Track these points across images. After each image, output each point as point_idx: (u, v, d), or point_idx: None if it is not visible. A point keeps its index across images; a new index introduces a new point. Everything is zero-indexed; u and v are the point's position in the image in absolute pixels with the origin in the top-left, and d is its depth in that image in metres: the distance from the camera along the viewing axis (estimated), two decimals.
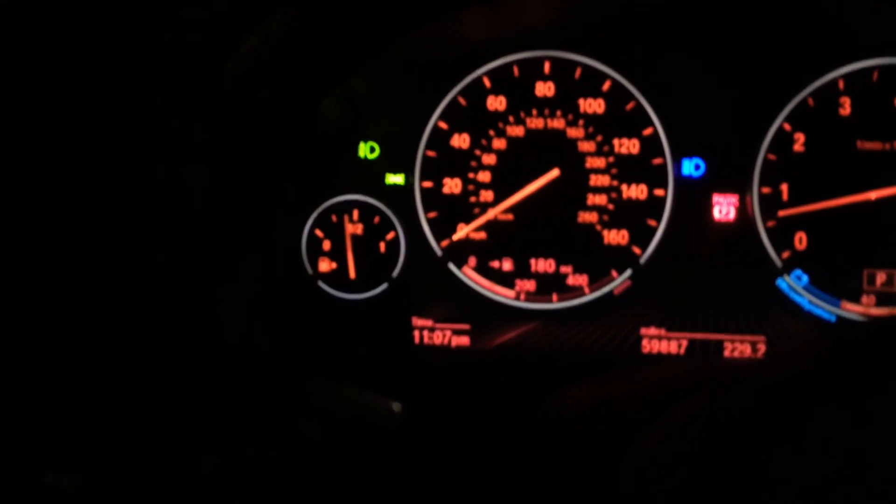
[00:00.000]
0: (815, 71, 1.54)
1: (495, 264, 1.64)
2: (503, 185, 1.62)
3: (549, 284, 1.63)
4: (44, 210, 1.35)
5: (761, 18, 1.54)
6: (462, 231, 1.64)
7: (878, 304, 1.53)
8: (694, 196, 1.58)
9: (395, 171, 1.66)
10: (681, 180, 1.58)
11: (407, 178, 1.65)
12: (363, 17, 1.44)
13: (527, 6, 1.57)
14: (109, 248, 1.36)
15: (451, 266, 1.65)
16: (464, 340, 1.65)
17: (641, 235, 1.60)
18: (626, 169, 1.59)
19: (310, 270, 1.67)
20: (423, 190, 1.65)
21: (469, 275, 1.65)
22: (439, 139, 1.64)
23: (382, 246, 1.66)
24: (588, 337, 1.62)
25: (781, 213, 1.55)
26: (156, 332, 1.35)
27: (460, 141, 1.63)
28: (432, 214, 1.65)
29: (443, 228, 1.65)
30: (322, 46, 1.46)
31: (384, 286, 1.66)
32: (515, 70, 1.62)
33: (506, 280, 1.64)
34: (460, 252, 1.65)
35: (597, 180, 1.60)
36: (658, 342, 1.60)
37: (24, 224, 1.36)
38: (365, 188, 1.65)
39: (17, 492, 0.98)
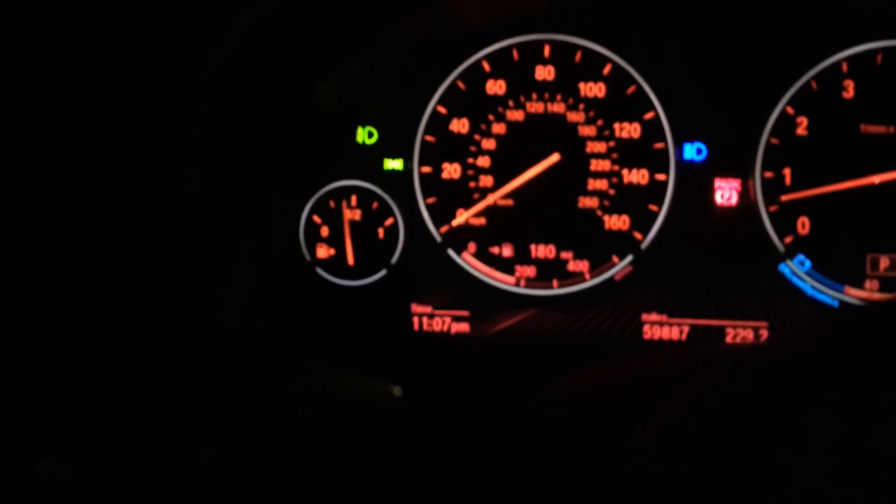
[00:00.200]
0: (818, 54, 1.52)
1: (495, 250, 1.63)
2: (503, 170, 1.61)
3: (550, 270, 1.62)
4: (37, 192, 1.34)
5: (764, 1, 1.52)
6: (461, 217, 1.63)
7: (882, 289, 1.52)
8: (696, 181, 1.56)
9: (393, 157, 1.64)
10: (682, 165, 1.57)
11: (406, 164, 1.64)
12: None
13: None
14: (104, 236, 1.35)
15: (451, 252, 1.64)
16: (463, 327, 1.64)
17: (643, 221, 1.59)
18: (627, 153, 1.58)
19: (308, 257, 1.66)
20: (421, 175, 1.63)
21: (469, 261, 1.64)
22: (438, 124, 1.62)
23: (381, 232, 1.65)
24: (589, 323, 1.61)
25: (784, 198, 1.54)
26: (152, 320, 1.34)
27: (459, 125, 1.62)
28: (431, 200, 1.64)
29: (442, 214, 1.64)
30: (319, 28, 1.45)
31: (383, 272, 1.65)
32: (515, 54, 1.60)
33: (506, 266, 1.63)
34: (460, 238, 1.64)
35: (597, 165, 1.59)
36: (659, 328, 1.59)
37: (17, 212, 1.35)
38: (363, 173, 1.64)
39: (15, 483, 0.98)
